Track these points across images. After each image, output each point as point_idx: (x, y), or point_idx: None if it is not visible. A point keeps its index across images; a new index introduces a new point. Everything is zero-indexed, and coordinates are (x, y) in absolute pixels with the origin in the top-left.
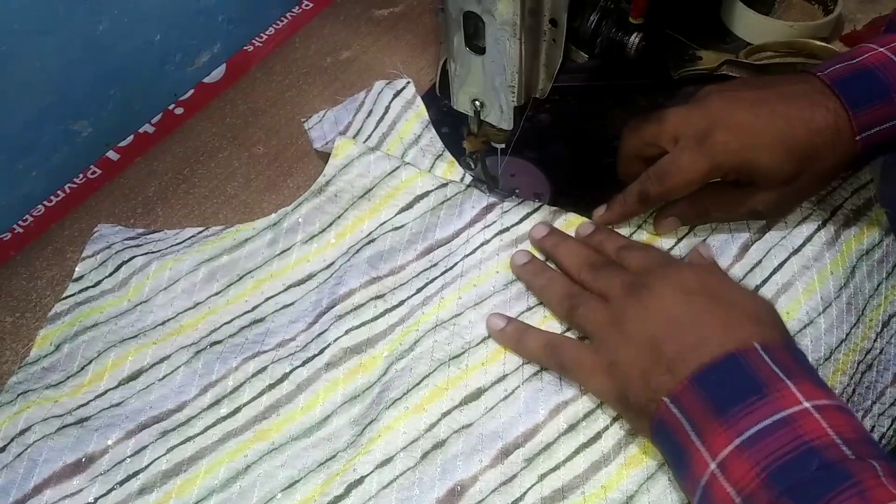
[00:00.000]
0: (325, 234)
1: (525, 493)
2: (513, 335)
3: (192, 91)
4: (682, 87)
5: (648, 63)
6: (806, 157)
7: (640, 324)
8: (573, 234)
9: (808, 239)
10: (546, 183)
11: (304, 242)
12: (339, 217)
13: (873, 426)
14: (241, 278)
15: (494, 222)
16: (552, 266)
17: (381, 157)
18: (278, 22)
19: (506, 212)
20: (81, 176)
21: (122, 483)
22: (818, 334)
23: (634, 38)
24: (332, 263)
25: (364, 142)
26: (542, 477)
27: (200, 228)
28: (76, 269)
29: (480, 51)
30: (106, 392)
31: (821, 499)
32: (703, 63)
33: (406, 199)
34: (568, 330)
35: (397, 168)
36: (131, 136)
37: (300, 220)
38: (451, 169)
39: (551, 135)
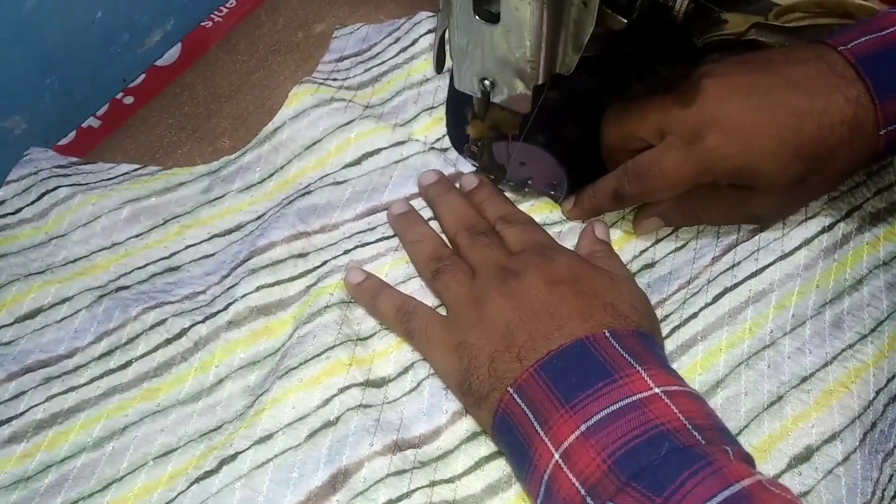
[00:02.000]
0: (264, 184)
1: (413, 491)
2: (368, 291)
3: (143, 76)
4: (708, 55)
5: (670, 28)
6: (816, 159)
7: (500, 309)
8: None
9: (807, 242)
10: (561, 171)
11: (240, 191)
12: (281, 168)
13: (892, 475)
14: (165, 222)
15: None
16: (431, 225)
17: (337, 109)
18: None
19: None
20: None
21: None
22: (779, 359)
23: (682, 1)
24: (263, 215)
25: (377, 66)
26: (434, 484)
27: (136, 166)
28: None
29: (493, 18)
30: None
31: (673, 480)
32: (730, 27)
33: (355, 153)
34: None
35: (351, 122)
36: (73, 132)
37: (240, 168)
38: (433, 126)
39: (563, 115)
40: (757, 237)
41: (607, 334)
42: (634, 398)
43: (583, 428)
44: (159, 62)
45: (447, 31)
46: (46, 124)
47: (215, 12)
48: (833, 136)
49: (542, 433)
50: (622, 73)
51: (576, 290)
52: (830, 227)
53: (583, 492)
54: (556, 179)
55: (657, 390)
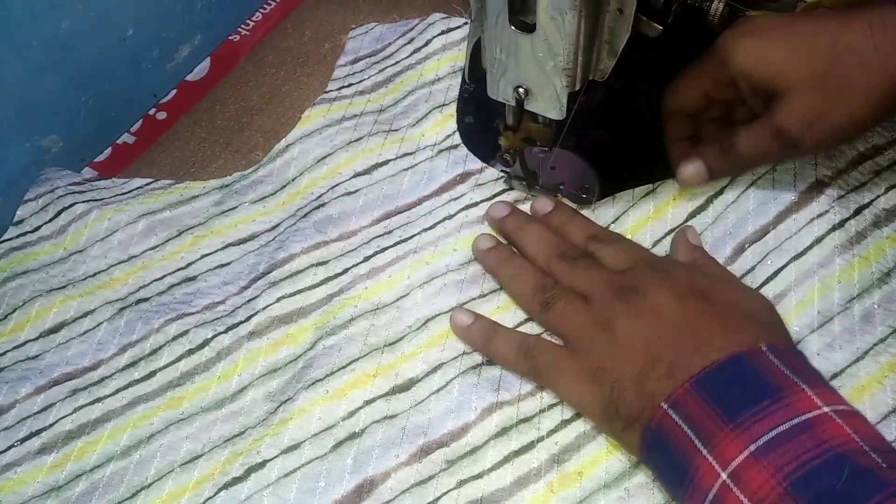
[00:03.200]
0: (276, 195)
1: (439, 497)
2: (481, 334)
3: (174, 92)
4: None
5: (695, 30)
6: (834, 54)
7: (633, 328)
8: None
9: (818, 240)
10: (592, 174)
11: (253, 203)
12: (293, 180)
13: None
14: (180, 234)
15: (464, 195)
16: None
17: (347, 127)
18: (266, 6)
19: (479, 185)
20: None
21: (22, 441)
22: (808, 354)
23: (718, 4)
24: (278, 226)
25: (391, 66)
26: (462, 483)
27: (149, 180)
28: (17, 211)
29: (529, 28)
30: (25, 343)
31: None
32: None
33: (365, 164)
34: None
35: (361, 138)
36: (109, 149)
37: (253, 182)
38: (444, 122)
39: (592, 118)
40: (768, 237)
41: (764, 349)
42: (804, 418)
43: (752, 448)
44: (189, 77)
45: (480, 40)
46: (82, 142)
47: (242, 26)
48: (851, 31)
49: (704, 452)
50: (649, 75)
51: (709, 302)
52: (841, 224)
53: None
54: (588, 183)
55: (826, 409)
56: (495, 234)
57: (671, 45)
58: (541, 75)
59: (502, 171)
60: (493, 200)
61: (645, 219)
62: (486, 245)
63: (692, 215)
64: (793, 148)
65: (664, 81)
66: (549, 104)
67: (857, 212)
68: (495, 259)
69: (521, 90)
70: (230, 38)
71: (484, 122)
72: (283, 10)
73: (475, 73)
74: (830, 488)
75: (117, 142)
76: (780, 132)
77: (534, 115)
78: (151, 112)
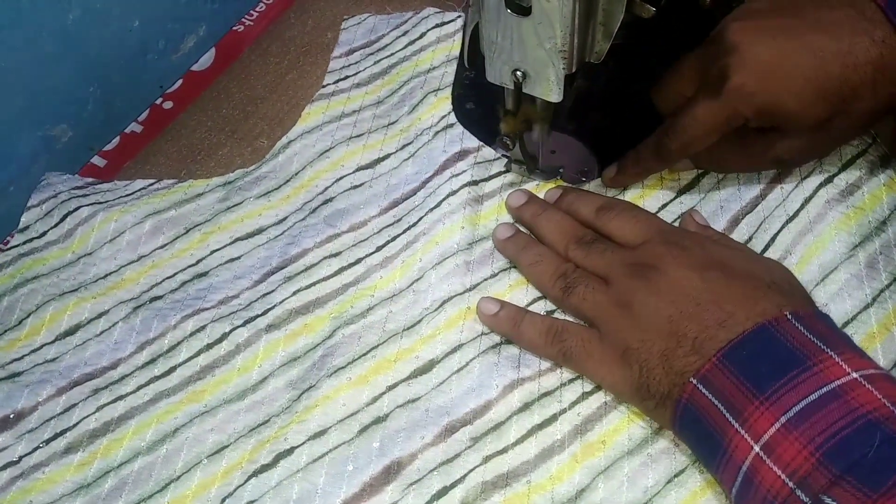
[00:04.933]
0: (281, 189)
1: (466, 474)
2: (508, 321)
3: (180, 82)
4: None
5: (691, 14)
6: (840, 99)
7: (653, 306)
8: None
9: (808, 199)
10: (592, 158)
11: (258, 197)
12: (296, 174)
13: None
14: (187, 231)
15: (464, 172)
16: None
17: (347, 124)
18: None
19: (478, 163)
20: None
21: (48, 441)
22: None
23: None
24: (285, 219)
25: (386, 58)
26: (488, 459)
27: (152, 181)
28: (21, 218)
29: (525, 11)
30: (42, 347)
31: (890, 476)
32: None
33: (367, 158)
34: (553, 311)
35: (361, 134)
36: (117, 138)
37: (257, 178)
38: (439, 104)
39: (590, 102)
40: (760, 206)
41: (789, 316)
42: (833, 385)
43: (783, 420)
44: (195, 67)
45: (478, 25)
46: (91, 131)
47: (246, 17)
48: (857, 75)
49: (736, 425)
50: (647, 60)
51: (728, 273)
52: (829, 179)
53: (790, 484)
54: (587, 166)
55: (855, 375)
56: (515, 224)
57: (668, 30)
58: (538, 58)
59: (503, 154)
60: (505, 181)
61: (637, 196)
62: (505, 234)
63: (682, 192)
64: (781, 166)
65: (661, 66)
66: (547, 86)
67: (846, 165)
68: (514, 247)
69: (518, 73)
70: (234, 28)
71: (485, 108)
72: (285, 0)
73: (474, 59)
74: (863, 457)
75: (125, 131)
76: (776, 159)
77: (532, 99)
78: (158, 102)
